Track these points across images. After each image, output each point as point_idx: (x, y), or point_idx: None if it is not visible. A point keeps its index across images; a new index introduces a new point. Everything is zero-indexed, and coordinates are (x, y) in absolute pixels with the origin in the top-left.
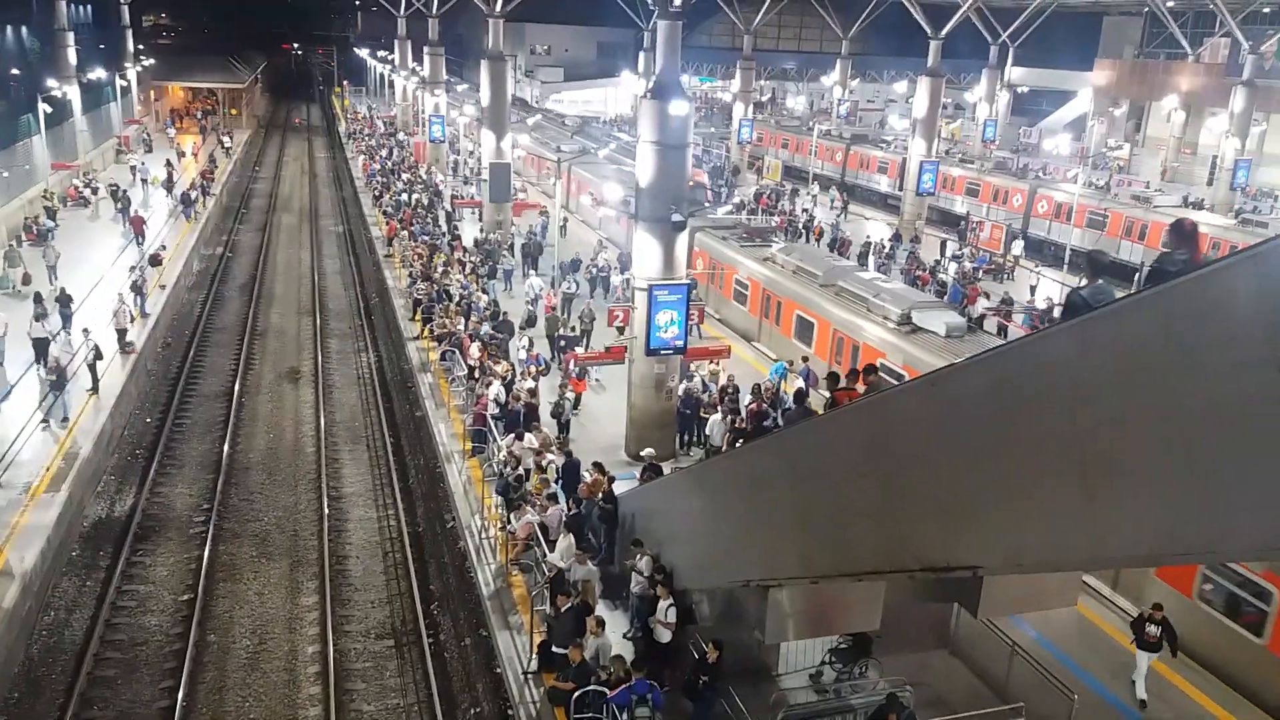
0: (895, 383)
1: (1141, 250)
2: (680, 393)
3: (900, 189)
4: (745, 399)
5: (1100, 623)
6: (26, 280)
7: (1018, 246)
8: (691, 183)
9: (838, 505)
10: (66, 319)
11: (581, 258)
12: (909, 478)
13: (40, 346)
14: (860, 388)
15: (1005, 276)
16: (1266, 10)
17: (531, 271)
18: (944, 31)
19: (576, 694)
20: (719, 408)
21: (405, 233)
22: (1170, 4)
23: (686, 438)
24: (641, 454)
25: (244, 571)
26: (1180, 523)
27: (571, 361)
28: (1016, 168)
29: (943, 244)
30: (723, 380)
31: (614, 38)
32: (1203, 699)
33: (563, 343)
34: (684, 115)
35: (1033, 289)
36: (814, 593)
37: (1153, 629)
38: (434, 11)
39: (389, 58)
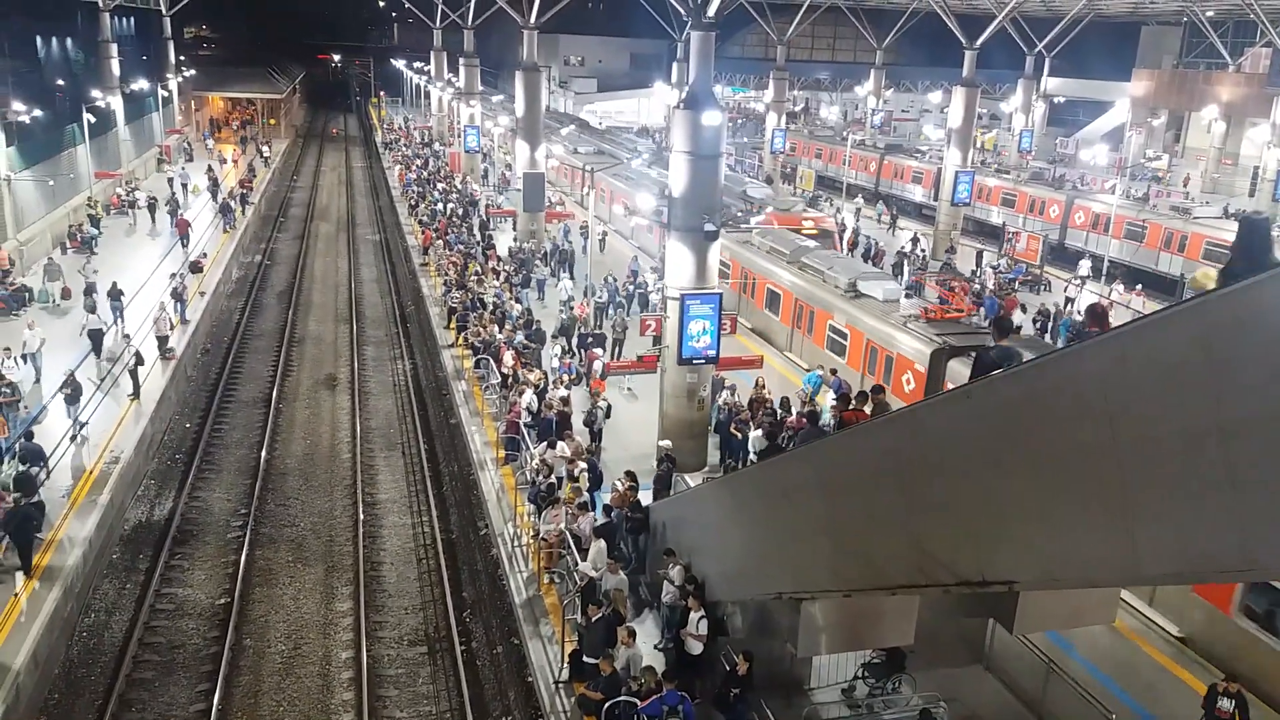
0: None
1: (1181, 262)
2: (720, 403)
3: (935, 199)
4: (779, 410)
5: (1139, 640)
6: (66, 295)
7: (1084, 266)
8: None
9: (871, 518)
10: (117, 312)
11: (616, 277)
12: (943, 491)
13: (95, 338)
14: (868, 409)
15: (1043, 288)
16: None
17: (564, 274)
18: (979, 42)
19: (607, 704)
20: (751, 422)
21: (440, 242)
22: (1210, 14)
23: (727, 455)
24: (660, 443)
25: (280, 576)
26: (1219, 540)
27: (593, 361)
28: (1053, 178)
29: (979, 254)
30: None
31: (647, 48)
32: None
33: (590, 340)
34: (717, 125)
35: (1070, 301)
36: (847, 606)
37: (1226, 703)
38: (469, 23)
39: (425, 69)
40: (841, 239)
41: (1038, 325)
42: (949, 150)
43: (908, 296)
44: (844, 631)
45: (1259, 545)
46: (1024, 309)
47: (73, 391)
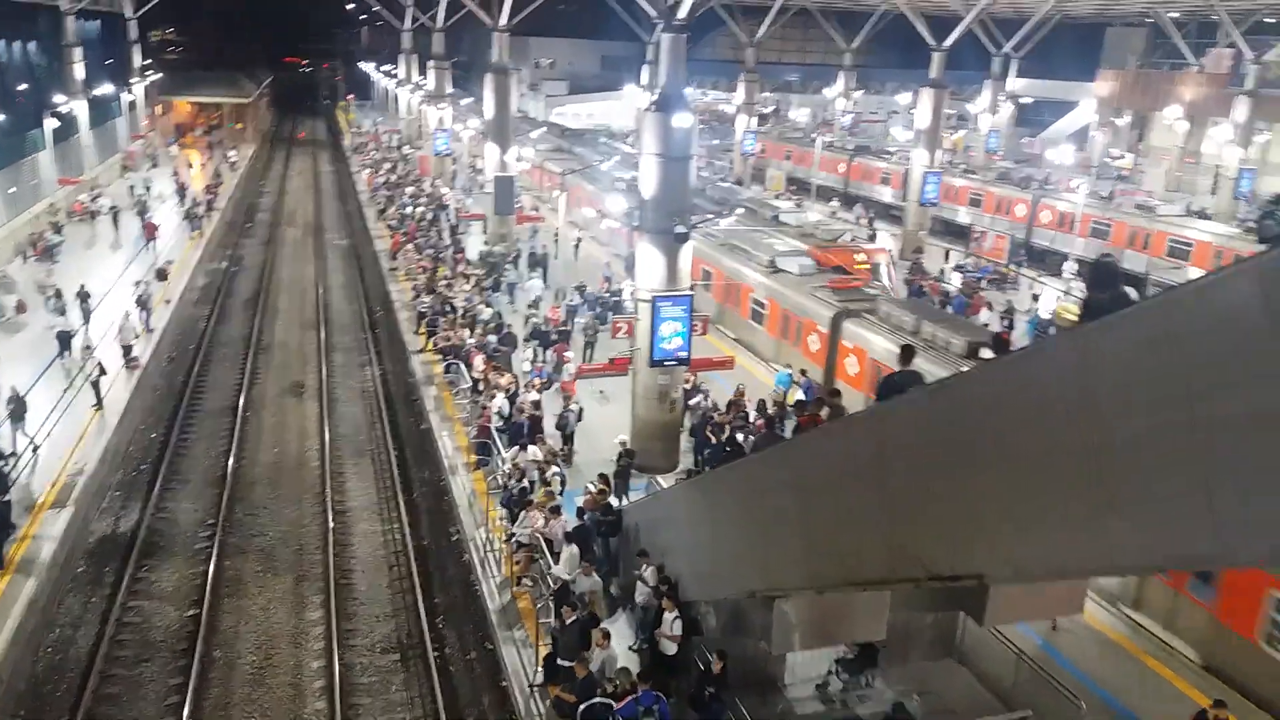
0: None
1: (1146, 259)
2: (692, 406)
3: (904, 199)
4: (755, 413)
5: (1108, 631)
6: (21, 309)
7: (1070, 268)
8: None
9: (843, 515)
10: (87, 315)
11: (587, 284)
12: (914, 487)
13: (64, 339)
14: (824, 413)
15: (1010, 286)
16: (1270, 20)
17: (533, 274)
18: (947, 43)
19: (582, 707)
20: (728, 426)
21: (410, 246)
22: (1174, 15)
23: (701, 458)
24: (617, 440)
25: (249, 587)
26: (1184, 532)
27: (564, 361)
28: (1019, 178)
29: (946, 254)
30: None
31: (618, 50)
32: None
33: (555, 337)
34: (687, 128)
35: (1036, 298)
36: (820, 603)
37: None
38: (438, 25)
39: (393, 71)
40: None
41: (1005, 323)
42: (917, 151)
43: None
44: (817, 628)
45: (1229, 531)
46: (990, 307)
47: (16, 409)
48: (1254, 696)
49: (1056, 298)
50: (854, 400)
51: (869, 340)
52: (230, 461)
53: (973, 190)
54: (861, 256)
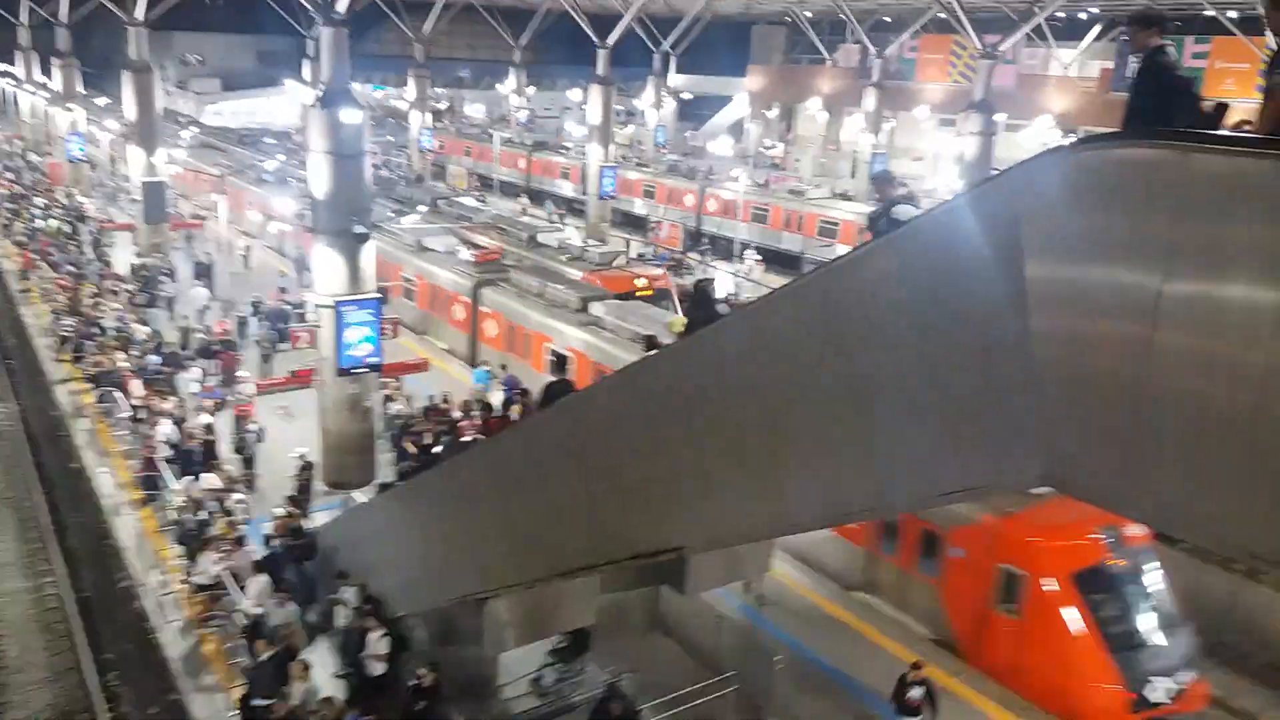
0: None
1: (801, 240)
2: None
3: (584, 193)
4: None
5: (793, 584)
6: None
7: (751, 255)
8: None
9: (544, 508)
10: None
11: (262, 299)
12: (609, 472)
13: None
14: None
15: (686, 272)
16: (888, 19)
17: (197, 282)
18: (610, 40)
19: None
20: (427, 434)
21: (44, 263)
22: (808, 14)
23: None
24: (293, 452)
25: None
26: (849, 486)
27: (238, 379)
28: (686, 170)
29: (627, 244)
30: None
31: (275, 45)
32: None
33: (216, 346)
34: (357, 124)
35: (711, 281)
36: (529, 597)
37: (916, 692)
38: (63, 20)
39: (10, 71)
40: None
41: (685, 304)
42: (591, 146)
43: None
44: (529, 623)
45: (886, 484)
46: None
47: None
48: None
49: (732, 280)
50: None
51: (504, 304)
52: None
53: (646, 183)
54: (643, 281)
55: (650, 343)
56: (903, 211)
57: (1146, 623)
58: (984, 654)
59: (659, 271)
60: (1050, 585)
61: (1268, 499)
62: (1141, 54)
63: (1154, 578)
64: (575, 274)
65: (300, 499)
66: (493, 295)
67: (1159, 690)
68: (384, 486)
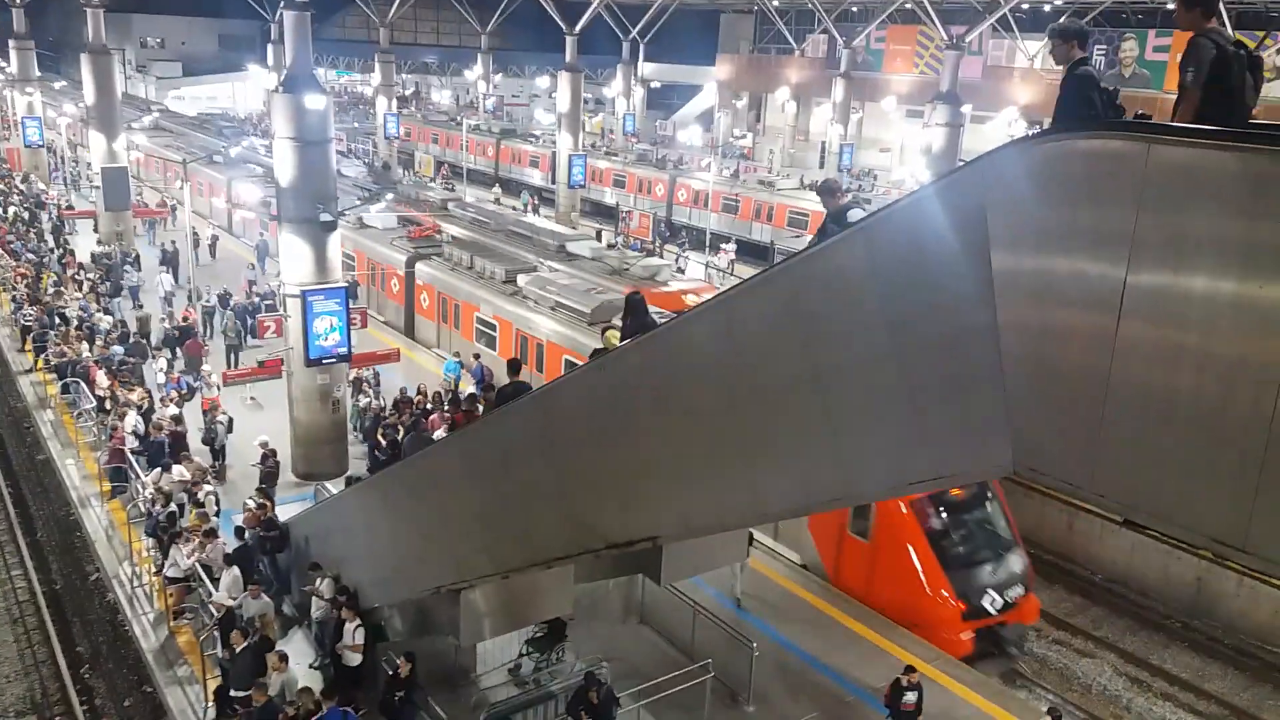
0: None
1: (770, 230)
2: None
3: (553, 182)
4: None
5: (768, 572)
6: None
7: (728, 248)
8: None
9: (520, 499)
10: None
11: (230, 292)
12: (586, 462)
13: None
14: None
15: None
16: (855, 9)
17: (162, 269)
18: (578, 28)
19: None
20: (400, 426)
21: (3, 251)
22: (775, 3)
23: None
24: (257, 441)
25: None
26: (820, 475)
27: (202, 367)
28: (656, 159)
29: (598, 233)
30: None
31: (237, 29)
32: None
33: (176, 334)
34: (322, 109)
35: (681, 270)
36: (506, 587)
37: (910, 696)
38: (17, 1)
39: None
40: None
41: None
42: (560, 134)
43: None
44: (506, 613)
45: (855, 473)
46: None
47: None
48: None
49: (704, 270)
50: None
51: (436, 277)
52: None
53: (616, 172)
54: (692, 298)
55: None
56: (855, 215)
57: (981, 544)
58: (843, 575)
59: (702, 283)
60: (894, 512)
61: (1230, 487)
62: (1065, 66)
63: (991, 507)
64: (616, 289)
65: (266, 488)
66: (426, 269)
67: (990, 603)
68: (350, 481)
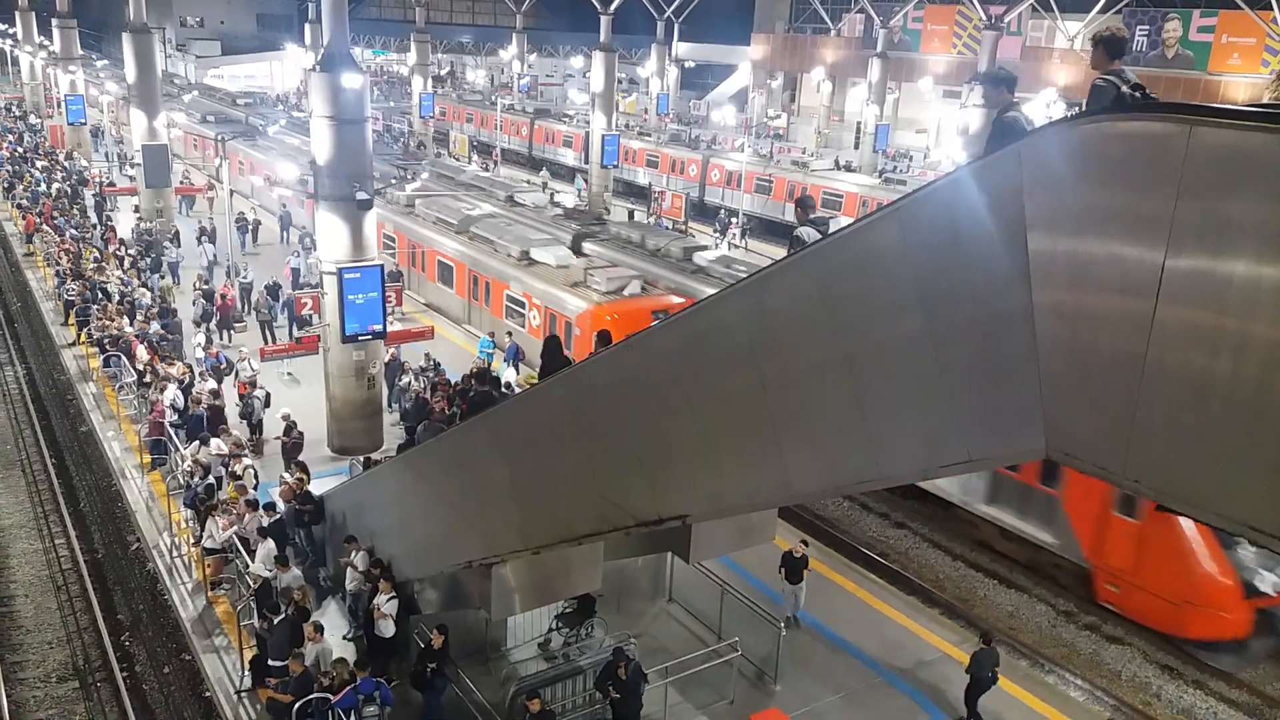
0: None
1: None
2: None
3: (586, 162)
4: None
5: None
6: None
7: (736, 221)
8: None
9: (552, 476)
10: None
11: (279, 282)
12: (617, 440)
13: None
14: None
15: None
16: None
17: (206, 241)
18: (613, 7)
19: (298, 704)
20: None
21: (46, 227)
22: None
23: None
24: (280, 413)
25: None
26: (850, 456)
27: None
28: (689, 139)
29: (630, 214)
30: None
31: (275, 8)
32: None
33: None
34: (358, 88)
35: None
36: (536, 563)
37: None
38: None
39: (10, 31)
40: None
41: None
42: (594, 114)
43: None
44: (535, 588)
45: (885, 455)
46: None
47: None
48: None
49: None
50: None
51: (407, 227)
52: None
53: (649, 152)
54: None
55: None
56: (805, 233)
57: None
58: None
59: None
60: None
61: (1267, 473)
62: (996, 110)
63: None
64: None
65: (287, 461)
66: (399, 220)
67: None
68: (368, 464)
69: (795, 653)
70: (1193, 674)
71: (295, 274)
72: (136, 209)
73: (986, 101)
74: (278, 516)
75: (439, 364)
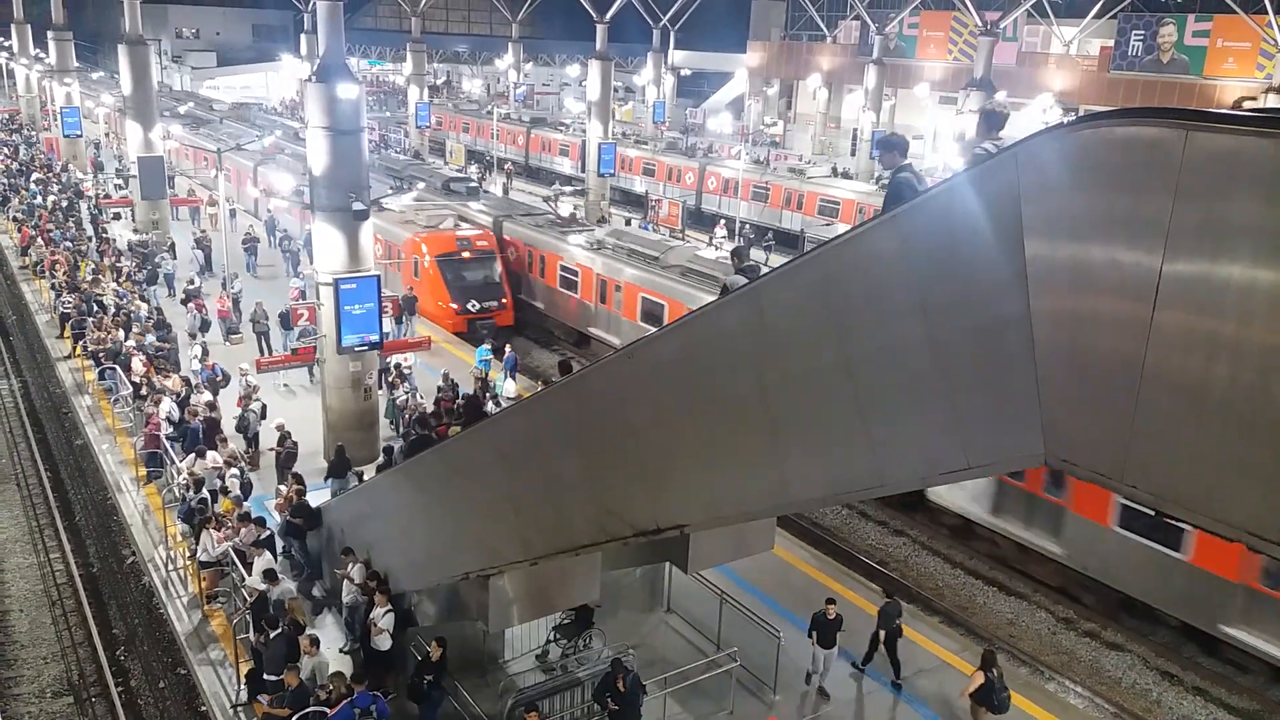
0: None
1: (801, 219)
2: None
3: (583, 170)
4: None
5: (794, 561)
6: None
7: (719, 230)
8: None
9: (549, 486)
10: None
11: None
12: (613, 450)
13: None
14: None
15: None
16: None
17: (196, 249)
18: (609, 15)
19: (295, 718)
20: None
21: (41, 240)
22: None
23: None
24: (274, 424)
25: None
26: (850, 464)
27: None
28: (686, 147)
29: (627, 221)
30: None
31: (270, 19)
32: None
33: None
34: (354, 99)
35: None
36: (534, 574)
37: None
38: None
39: (5, 43)
40: None
41: None
42: (590, 123)
43: None
44: (534, 599)
45: (884, 463)
46: None
47: None
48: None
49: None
50: None
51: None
52: None
53: (646, 160)
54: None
55: None
56: (733, 281)
57: (473, 279)
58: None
59: None
60: (428, 260)
61: (1265, 479)
62: (890, 172)
63: (487, 260)
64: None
65: (282, 472)
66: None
67: (472, 308)
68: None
69: (794, 663)
70: (1193, 680)
71: (303, 295)
72: (118, 216)
73: (882, 163)
74: (269, 533)
75: (456, 384)
